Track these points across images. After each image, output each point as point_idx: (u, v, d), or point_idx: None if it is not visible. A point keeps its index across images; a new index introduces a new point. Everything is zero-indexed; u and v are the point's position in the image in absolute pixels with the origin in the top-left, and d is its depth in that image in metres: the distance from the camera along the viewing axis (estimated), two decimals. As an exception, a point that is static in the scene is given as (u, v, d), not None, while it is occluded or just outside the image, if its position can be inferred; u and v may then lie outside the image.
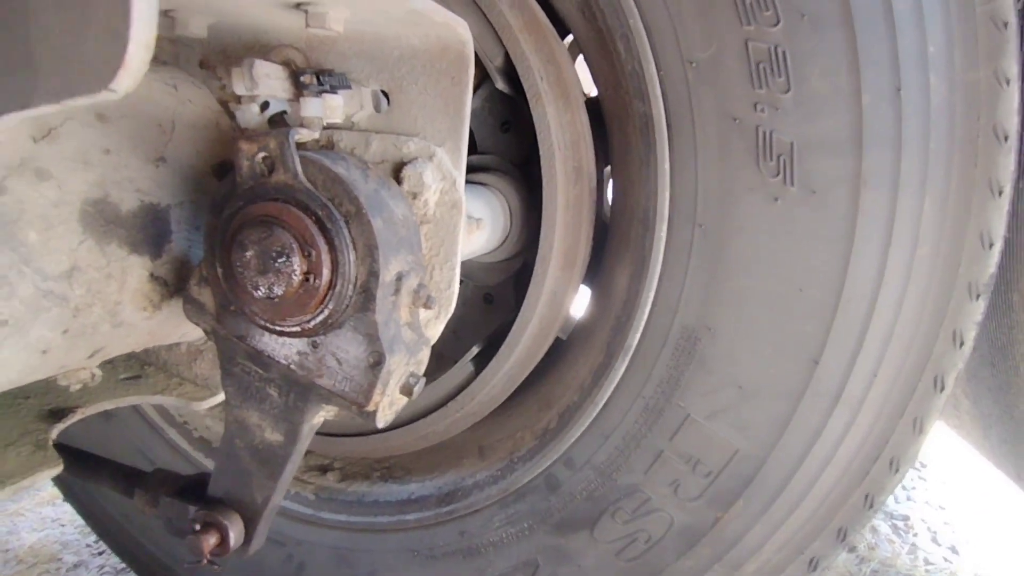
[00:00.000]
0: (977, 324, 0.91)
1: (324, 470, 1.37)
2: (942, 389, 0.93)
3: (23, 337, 0.56)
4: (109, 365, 0.88)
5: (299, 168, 0.57)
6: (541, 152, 1.02)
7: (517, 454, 1.16)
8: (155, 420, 1.39)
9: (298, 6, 0.59)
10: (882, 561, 1.69)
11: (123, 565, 1.95)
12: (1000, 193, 0.85)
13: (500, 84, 1.07)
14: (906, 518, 1.86)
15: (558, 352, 1.22)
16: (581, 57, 1.15)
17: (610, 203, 1.13)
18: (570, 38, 1.14)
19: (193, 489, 0.78)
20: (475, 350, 1.19)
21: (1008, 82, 0.82)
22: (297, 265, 0.56)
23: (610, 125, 1.08)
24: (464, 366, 1.18)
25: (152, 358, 0.94)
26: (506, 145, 1.17)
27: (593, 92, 1.13)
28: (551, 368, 1.22)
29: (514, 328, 1.09)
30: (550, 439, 1.11)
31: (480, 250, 1.05)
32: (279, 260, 0.56)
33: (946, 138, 0.83)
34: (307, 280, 0.57)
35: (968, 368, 1.41)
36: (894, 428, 0.94)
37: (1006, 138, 0.84)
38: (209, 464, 1.37)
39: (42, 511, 2.42)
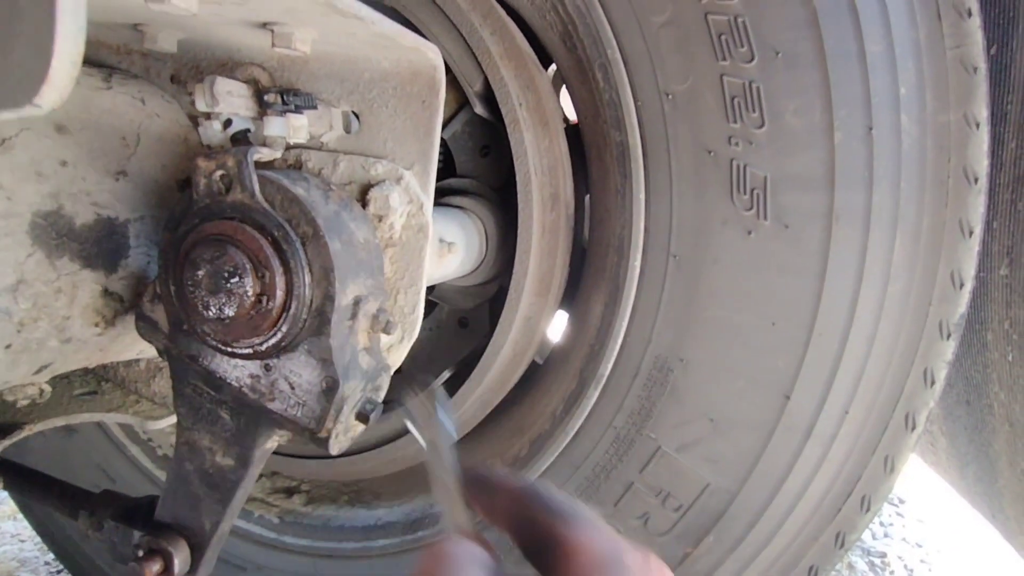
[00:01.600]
0: (948, 363, 0.91)
1: (290, 492, 1.34)
2: (913, 428, 0.92)
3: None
4: (64, 380, 0.85)
5: (256, 187, 0.56)
6: (518, 177, 1.01)
7: (486, 482, 1.13)
8: (118, 437, 1.35)
9: (264, 25, 0.58)
10: (858, 599, 1.66)
11: (81, 586, 1.89)
12: (970, 234, 0.86)
13: (479, 109, 1.07)
14: (883, 555, 1.84)
15: (533, 378, 1.20)
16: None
17: (587, 232, 1.13)
18: (554, 67, 1.15)
19: (140, 512, 0.75)
20: (447, 374, 1.17)
21: (978, 125, 0.83)
22: (250, 286, 0.55)
23: (589, 153, 1.08)
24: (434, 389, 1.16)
25: (110, 374, 0.91)
26: (484, 169, 1.16)
27: (575, 119, 1.14)
28: (525, 394, 1.20)
29: (486, 353, 1.07)
30: (520, 467, 1.09)
31: (454, 274, 1.04)
32: (231, 280, 0.54)
33: (917, 178, 0.83)
34: (260, 302, 0.55)
35: (944, 406, 1.41)
36: (865, 466, 0.93)
37: (976, 180, 0.85)
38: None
39: (2, 525, 2.34)
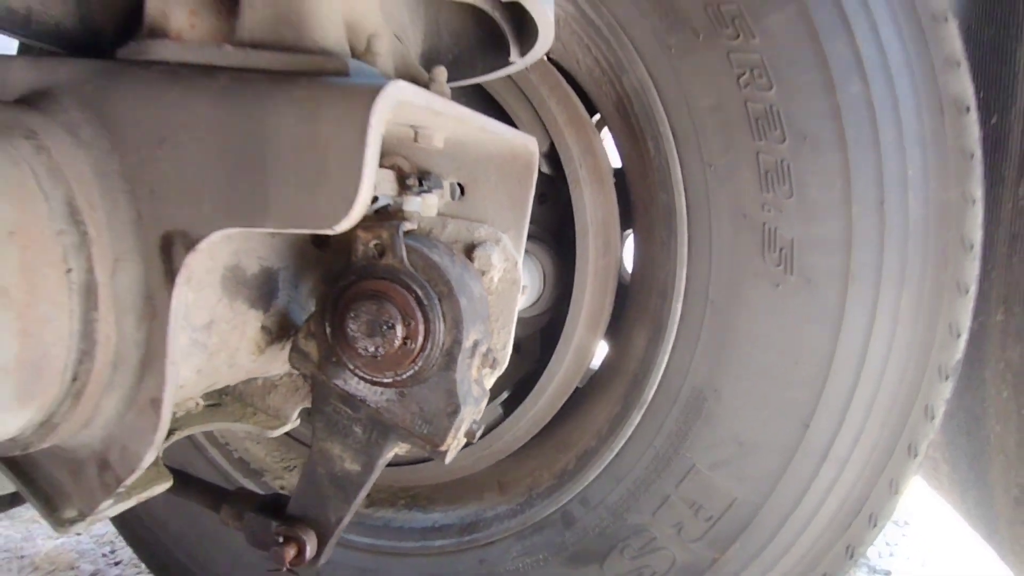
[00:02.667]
0: (946, 401, 1.06)
1: (353, 496, 1.49)
2: (915, 455, 1.07)
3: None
4: (199, 402, 1.01)
5: (404, 255, 0.72)
6: (576, 228, 1.18)
7: (536, 491, 1.29)
8: (199, 440, 1.51)
9: (411, 127, 0.75)
10: (862, 612, 1.80)
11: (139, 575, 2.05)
12: (966, 292, 1.01)
13: (544, 167, 1.23)
14: (888, 572, 1.97)
15: (575, 400, 1.36)
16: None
17: (630, 272, 1.29)
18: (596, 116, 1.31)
19: (270, 507, 0.91)
20: (504, 395, 1.33)
21: (974, 202, 0.99)
22: (399, 332, 0.70)
23: (635, 204, 1.25)
24: (494, 408, 1.31)
25: (229, 389, 1.07)
26: (542, 215, 1.33)
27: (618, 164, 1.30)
28: (569, 415, 1.36)
29: (542, 378, 1.23)
30: (568, 479, 1.24)
31: (519, 308, 1.20)
32: (385, 327, 0.70)
33: (921, 245, 0.99)
34: (405, 344, 0.71)
35: (947, 435, 1.55)
36: (873, 487, 1.08)
37: (972, 247, 1.00)
38: (245, 482, 1.49)
39: (58, 519, 2.50)
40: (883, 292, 1.00)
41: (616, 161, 1.28)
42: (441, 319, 0.72)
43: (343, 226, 0.49)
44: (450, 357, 0.73)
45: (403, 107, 0.50)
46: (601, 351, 1.39)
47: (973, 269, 1.00)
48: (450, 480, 1.42)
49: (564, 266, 1.29)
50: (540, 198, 1.34)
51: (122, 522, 1.67)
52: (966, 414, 1.47)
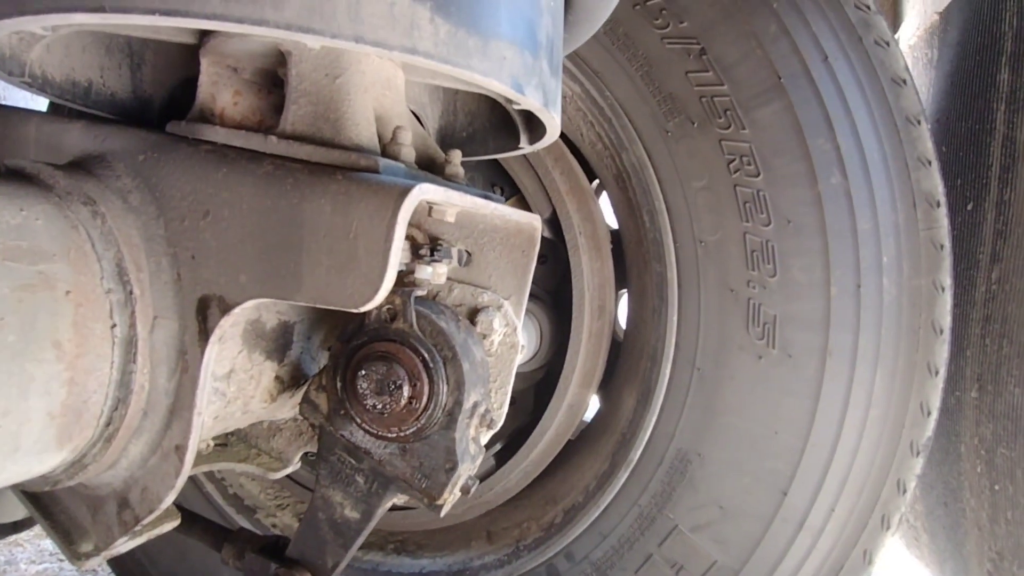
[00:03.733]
0: (916, 476, 1.11)
1: (343, 537, 1.52)
2: (888, 527, 1.12)
3: (195, 423, 0.75)
4: (210, 444, 1.06)
5: (415, 320, 0.78)
6: (574, 292, 1.25)
7: (523, 542, 1.32)
8: (196, 475, 1.55)
9: (427, 202, 0.82)
10: None
11: (123, 607, 2.03)
12: (936, 373, 1.08)
13: (545, 231, 1.31)
14: (867, 641, 1.98)
15: (565, 453, 1.40)
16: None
17: (623, 334, 1.35)
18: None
19: (270, 549, 0.95)
20: (498, 446, 1.37)
21: (943, 289, 1.06)
22: (406, 392, 0.76)
23: (629, 271, 1.32)
24: (486, 459, 1.36)
25: (236, 430, 1.12)
26: (541, 275, 1.40)
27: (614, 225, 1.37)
28: (558, 469, 1.40)
29: (535, 432, 1.28)
30: (555, 532, 1.28)
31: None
32: (393, 387, 0.76)
33: (895, 327, 1.06)
34: (410, 403, 0.77)
35: (926, 505, 1.59)
36: (847, 557, 1.12)
37: (941, 331, 1.07)
38: (238, 519, 1.52)
39: (40, 543, 2.49)
40: (858, 370, 1.06)
41: (613, 222, 1.36)
42: (445, 381, 0.78)
43: (368, 306, 0.55)
44: (451, 417, 0.79)
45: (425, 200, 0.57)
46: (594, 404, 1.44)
47: (943, 352, 1.07)
48: (440, 527, 1.45)
49: (560, 323, 1.35)
50: (540, 259, 1.41)
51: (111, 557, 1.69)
52: (944, 486, 1.52)
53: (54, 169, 0.69)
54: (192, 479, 1.55)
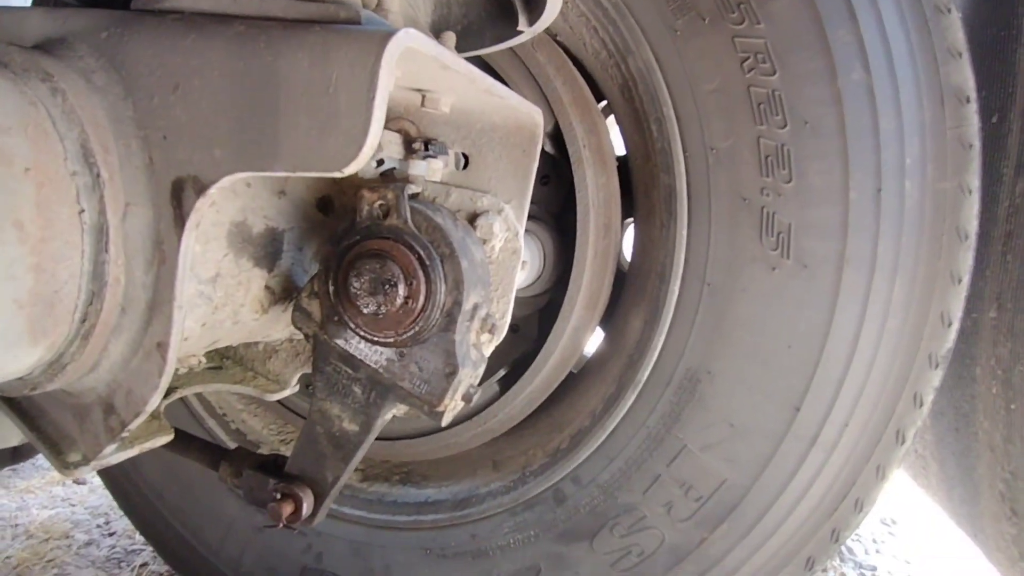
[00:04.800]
0: (935, 389, 1.07)
1: (347, 470, 1.51)
2: (903, 442, 1.09)
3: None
4: (202, 360, 1.02)
5: (409, 215, 0.73)
6: (578, 209, 1.19)
7: (529, 469, 1.30)
8: (197, 410, 1.53)
9: (417, 90, 0.76)
10: (847, 606, 1.82)
11: (134, 546, 2.07)
12: (959, 282, 1.03)
13: (548, 147, 1.25)
14: (874, 568, 1.99)
15: (570, 381, 1.37)
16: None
17: (630, 256, 1.30)
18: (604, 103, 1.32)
19: (268, 466, 0.92)
20: (501, 372, 1.34)
21: (970, 192, 1.01)
22: (401, 291, 0.72)
23: (636, 189, 1.26)
24: (490, 386, 1.33)
25: (231, 353, 1.09)
26: (544, 196, 1.34)
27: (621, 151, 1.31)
28: (563, 396, 1.37)
29: (539, 356, 1.25)
30: (561, 457, 1.26)
31: (519, 285, 1.22)
32: (387, 286, 0.72)
33: (916, 233, 1.00)
34: (406, 303, 0.73)
35: (936, 433, 1.57)
36: (860, 472, 1.10)
37: (967, 237, 1.02)
38: (242, 455, 1.50)
39: (52, 490, 2.52)
40: (877, 279, 1.02)
41: (620, 150, 1.30)
42: (442, 280, 0.73)
43: (351, 168, 0.50)
44: (450, 318, 0.74)
45: (412, 56, 0.52)
46: (595, 341, 1.40)
47: (967, 259, 1.02)
48: (444, 457, 1.44)
49: (564, 248, 1.30)
50: (543, 179, 1.35)
51: (119, 492, 1.69)
52: (955, 411, 1.49)
53: (9, 46, 0.63)
54: (193, 415, 1.53)
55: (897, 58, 0.97)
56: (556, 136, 1.24)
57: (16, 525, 2.25)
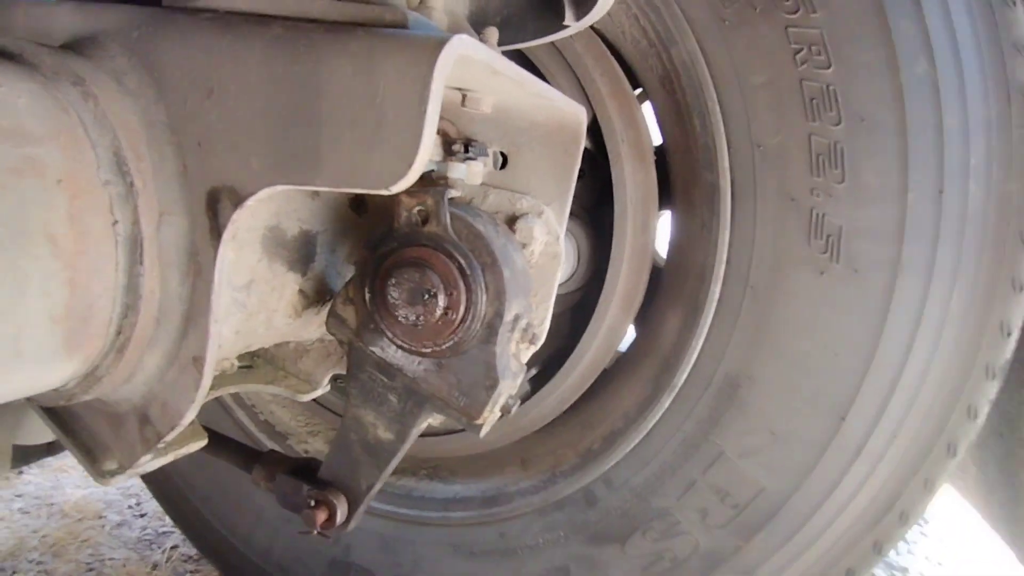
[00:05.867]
0: (990, 401, 1.02)
1: (374, 463, 1.50)
2: (954, 455, 1.04)
3: (215, 336, 0.69)
4: (234, 363, 1.01)
5: (449, 223, 0.70)
6: (616, 205, 1.15)
7: (559, 469, 1.28)
8: (227, 401, 1.53)
9: (459, 89, 0.72)
10: (877, 607, 1.78)
11: (164, 528, 2.10)
12: (1021, 289, 0.97)
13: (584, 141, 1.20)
14: (905, 570, 1.95)
15: (603, 381, 1.34)
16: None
17: (666, 254, 1.26)
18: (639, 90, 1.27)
19: (302, 471, 0.91)
20: (532, 371, 1.32)
21: (1037, 194, 0.94)
22: (441, 301, 0.69)
23: (674, 183, 1.21)
24: (521, 384, 1.30)
25: (261, 352, 1.07)
26: (579, 191, 1.29)
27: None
28: (594, 396, 1.34)
29: (573, 355, 1.22)
30: (592, 459, 1.23)
31: (552, 285, 1.18)
32: (427, 296, 0.69)
33: (978, 238, 0.95)
34: (446, 314, 0.70)
35: (978, 436, 1.51)
36: (907, 484, 1.06)
37: (1031, 242, 0.96)
38: (270, 445, 1.51)
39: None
40: (934, 286, 0.96)
41: (656, 139, 1.25)
42: (484, 290, 0.70)
43: (399, 187, 0.47)
44: (491, 330, 0.72)
45: (463, 63, 0.48)
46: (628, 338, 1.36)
47: (1031, 265, 0.96)
48: (473, 454, 1.42)
49: (599, 244, 1.27)
50: (578, 174, 1.31)
51: (150, 478, 1.71)
52: (1000, 415, 1.43)
53: (39, 47, 0.61)
54: (222, 405, 1.53)
55: (964, 51, 0.91)
56: (593, 129, 1.20)
57: (51, 504, 2.30)
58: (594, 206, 1.30)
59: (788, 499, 1.08)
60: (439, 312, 0.70)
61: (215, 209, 0.57)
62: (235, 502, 1.52)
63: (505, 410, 0.78)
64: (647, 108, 1.25)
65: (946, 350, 0.99)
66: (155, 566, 1.89)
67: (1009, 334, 0.99)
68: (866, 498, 1.07)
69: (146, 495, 2.30)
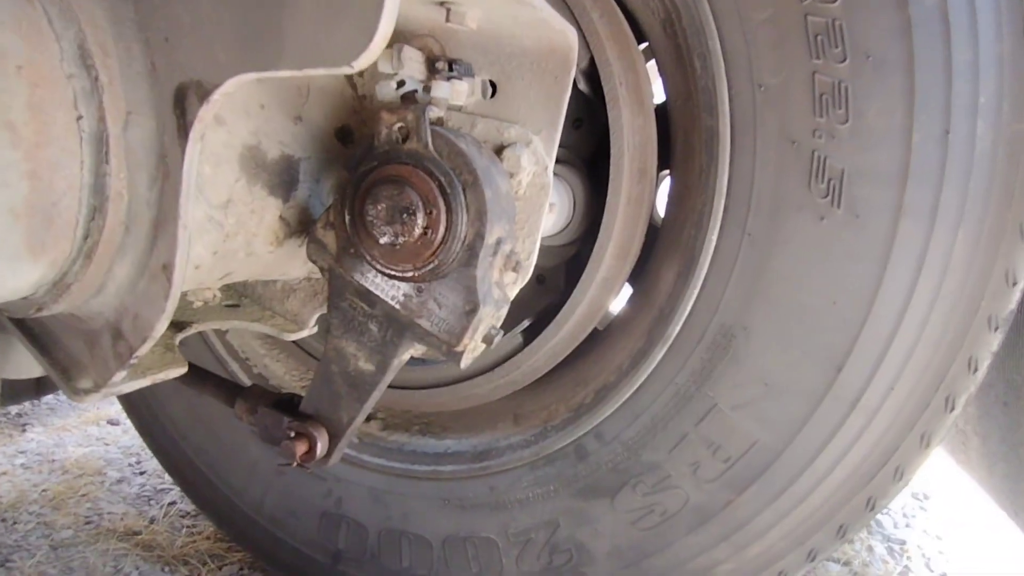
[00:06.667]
0: (992, 354, 1.00)
1: (368, 418, 1.50)
2: (952, 409, 1.02)
3: (190, 251, 0.68)
4: (217, 294, 1.00)
5: (430, 139, 0.68)
6: (612, 150, 1.12)
7: (551, 423, 1.27)
8: (221, 353, 1.53)
9: (441, 3, 0.70)
10: (873, 578, 1.77)
11: (163, 485, 2.12)
12: (1029, 237, 0.94)
13: (582, 85, 1.17)
14: (903, 542, 1.93)
15: (595, 338, 1.32)
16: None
17: (665, 205, 1.23)
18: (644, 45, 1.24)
19: (283, 404, 0.90)
20: (525, 323, 1.30)
21: (1049, 136, 0.91)
22: (420, 220, 0.67)
23: (675, 132, 1.18)
24: (513, 337, 1.29)
25: (249, 291, 1.06)
26: (576, 141, 1.27)
27: (659, 100, 1.23)
28: (588, 351, 1.32)
29: (566, 306, 1.20)
30: (584, 412, 1.22)
31: (546, 231, 1.16)
32: (405, 214, 0.67)
33: (986, 181, 0.91)
34: (425, 234, 0.68)
35: (981, 406, 1.48)
36: (903, 439, 1.03)
37: (1041, 187, 0.92)
38: (264, 399, 1.50)
39: (87, 429, 2.60)
40: (937, 231, 0.93)
41: (659, 97, 1.21)
42: (464, 209, 0.68)
43: (362, 62, 0.45)
44: (471, 252, 0.70)
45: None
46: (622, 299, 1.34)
47: (1040, 212, 0.93)
48: (465, 408, 1.41)
49: (596, 196, 1.24)
50: (575, 122, 1.28)
51: (146, 432, 1.71)
52: (1006, 384, 1.40)
53: (3, -62, 0.58)
54: (216, 357, 1.53)
55: (977, -18, 0.87)
56: (591, 75, 1.16)
57: (52, 460, 2.33)
58: (592, 157, 1.28)
59: (781, 453, 1.06)
60: (418, 231, 0.68)
61: (183, 106, 0.56)
62: (228, 454, 1.53)
63: (487, 340, 0.76)
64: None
65: (947, 299, 0.96)
66: (152, 520, 1.91)
67: (1015, 284, 0.95)
68: (861, 453, 1.05)
69: (146, 454, 2.32)
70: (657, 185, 1.30)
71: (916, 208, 0.93)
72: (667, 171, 1.25)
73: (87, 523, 1.91)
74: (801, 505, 1.08)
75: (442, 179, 0.68)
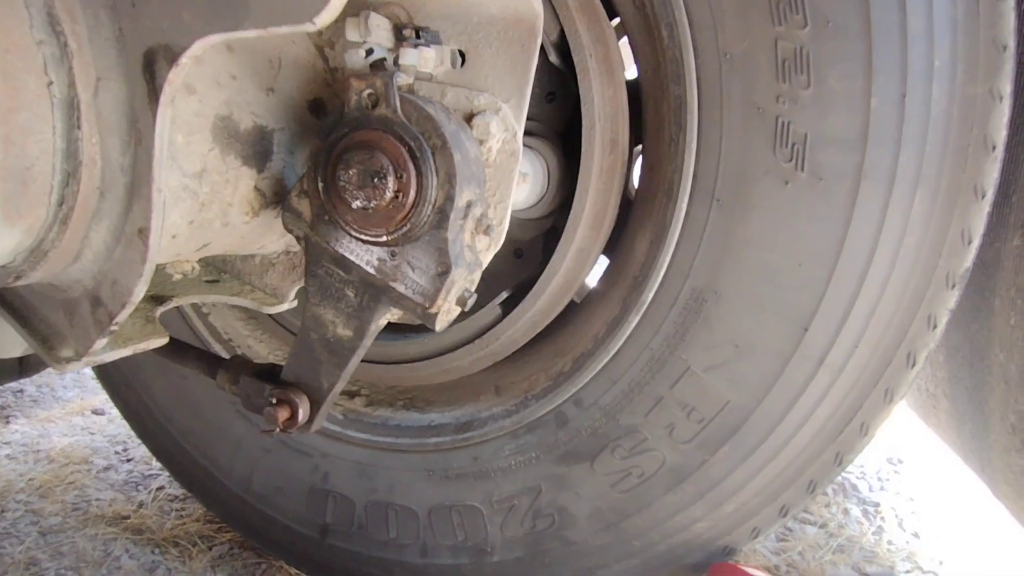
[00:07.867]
0: (950, 311, 1.04)
1: (352, 395, 1.52)
2: (913, 364, 1.06)
3: (164, 220, 0.69)
4: (196, 267, 1.01)
5: (398, 105, 0.70)
6: (583, 122, 1.14)
7: (531, 393, 1.30)
8: (203, 335, 1.54)
9: (409, -29, 0.71)
10: (848, 538, 1.83)
11: (151, 471, 2.13)
12: (983, 196, 0.97)
13: (553, 57, 1.19)
14: (876, 504, 2.00)
15: (572, 310, 1.35)
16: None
17: (637, 177, 1.25)
18: (616, 20, 1.26)
19: (265, 373, 0.92)
20: (504, 295, 1.32)
21: (1001, 98, 0.94)
22: (391, 184, 0.69)
23: (646, 104, 1.20)
24: (492, 309, 1.31)
25: (228, 266, 1.07)
26: (549, 114, 1.29)
27: (632, 76, 1.25)
28: (566, 322, 1.35)
29: (542, 276, 1.22)
30: (563, 381, 1.25)
31: (521, 204, 1.18)
32: (376, 178, 0.69)
33: (941, 143, 0.95)
34: (396, 197, 0.70)
35: (949, 369, 1.53)
36: (868, 395, 1.08)
37: (994, 148, 0.96)
38: (249, 379, 1.51)
39: (72, 420, 2.59)
40: (896, 192, 0.97)
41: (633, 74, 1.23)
42: (434, 173, 0.70)
43: (324, 18, 0.47)
44: (442, 215, 0.72)
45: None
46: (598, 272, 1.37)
47: (993, 172, 0.96)
48: (448, 381, 1.44)
49: (570, 169, 1.26)
50: (548, 96, 1.30)
51: (132, 416, 1.72)
52: (971, 346, 1.45)
53: (-32, -92, 0.59)
54: (199, 338, 1.54)
55: (931, -52, 0.90)
56: (563, 49, 1.18)
57: (38, 451, 2.32)
58: (566, 131, 1.29)
59: (752, 412, 1.10)
60: (389, 195, 0.70)
61: (152, 71, 0.57)
62: (214, 433, 1.54)
63: (461, 302, 0.78)
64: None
65: (907, 258, 0.99)
66: (141, 505, 1.92)
67: (970, 242, 0.99)
68: (828, 409, 1.09)
69: (133, 442, 2.33)
70: (633, 159, 1.32)
71: (876, 170, 0.96)
72: (640, 148, 1.27)
73: (75, 510, 1.92)
74: (772, 462, 1.12)
75: (411, 143, 0.69)
